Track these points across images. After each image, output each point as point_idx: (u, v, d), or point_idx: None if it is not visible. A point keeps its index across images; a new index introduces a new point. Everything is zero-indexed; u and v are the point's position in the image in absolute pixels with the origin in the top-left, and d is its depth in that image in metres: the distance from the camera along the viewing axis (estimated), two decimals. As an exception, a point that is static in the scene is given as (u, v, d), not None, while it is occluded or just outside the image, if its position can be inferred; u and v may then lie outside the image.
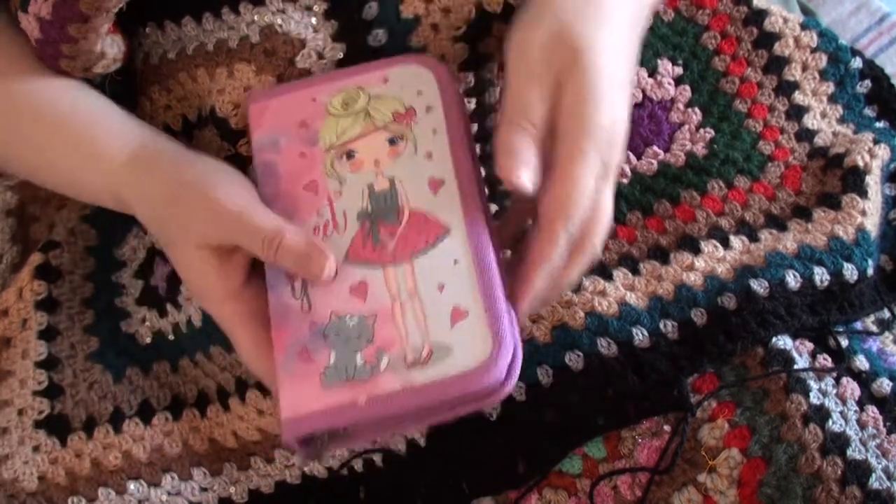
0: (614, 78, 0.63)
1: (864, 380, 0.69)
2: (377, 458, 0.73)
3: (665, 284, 0.72)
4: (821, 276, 0.71)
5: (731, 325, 0.69)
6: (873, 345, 0.73)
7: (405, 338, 0.60)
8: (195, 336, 0.77)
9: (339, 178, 0.67)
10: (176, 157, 0.71)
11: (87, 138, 0.73)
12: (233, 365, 0.76)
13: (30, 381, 0.79)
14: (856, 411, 0.68)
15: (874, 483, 0.64)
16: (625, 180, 0.79)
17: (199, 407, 0.77)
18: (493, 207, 0.76)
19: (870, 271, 0.73)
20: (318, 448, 0.62)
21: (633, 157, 0.80)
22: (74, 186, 0.76)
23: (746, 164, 0.78)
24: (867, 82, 0.84)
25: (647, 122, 0.81)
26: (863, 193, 0.75)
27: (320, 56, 0.75)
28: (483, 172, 0.69)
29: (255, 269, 0.66)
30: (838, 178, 0.76)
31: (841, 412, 0.67)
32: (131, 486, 0.75)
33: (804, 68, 0.83)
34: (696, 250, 0.73)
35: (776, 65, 0.82)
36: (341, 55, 0.74)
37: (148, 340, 0.79)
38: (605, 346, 0.69)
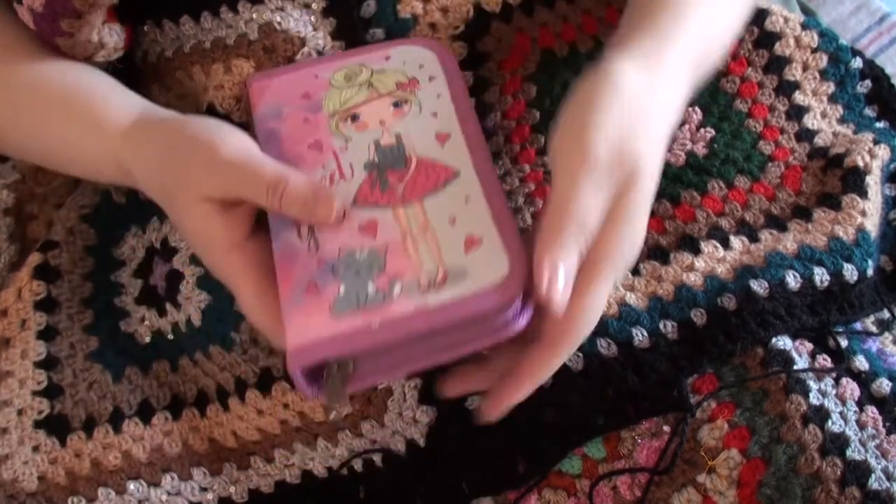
0: (652, 199, 0.62)
1: (863, 380, 0.69)
2: (377, 458, 0.73)
3: (665, 285, 0.72)
4: (821, 276, 0.71)
5: (730, 325, 0.69)
6: (873, 345, 0.72)
7: (419, 265, 0.59)
8: (194, 335, 0.77)
9: (344, 137, 0.67)
10: (176, 118, 0.71)
11: (88, 108, 0.73)
12: (232, 364, 0.76)
13: (29, 381, 0.79)
14: (855, 412, 0.68)
15: (873, 484, 0.64)
16: None
17: (199, 406, 0.77)
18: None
19: (870, 272, 0.73)
20: (326, 387, 0.59)
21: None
22: (75, 158, 0.76)
23: (747, 163, 0.78)
24: (867, 82, 0.84)
25: None
26: (863, 194, 0.74)
27: (320, 54, 0.76)
28: None
29: (260, 225, 0.65)
30: (838, 178, 0.76)
31: (840, 413, 0.67)
32: (131, 486, 0.75)
33: (805, 68, 0.83)
34: (696, 250, 0.73)
35: (777, 64, 0.82)
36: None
37: (147, 340, 0.79)
38: (605, 347, 0.69)
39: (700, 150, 0.79)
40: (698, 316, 0.70)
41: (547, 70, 0.79)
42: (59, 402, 0.78)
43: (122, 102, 0.74)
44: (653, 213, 0.77)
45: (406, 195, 0.62)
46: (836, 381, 0.69)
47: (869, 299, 0.72)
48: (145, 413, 0.77)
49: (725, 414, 0.67)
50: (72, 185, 0.87)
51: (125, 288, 0.81)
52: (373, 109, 0.68)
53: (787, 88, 0.82)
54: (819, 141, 0.79)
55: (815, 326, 0.70)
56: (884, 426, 0.67)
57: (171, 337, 0.78)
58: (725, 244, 0.73)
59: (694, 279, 0.71)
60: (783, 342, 0.69)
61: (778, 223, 0.75)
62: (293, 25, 0.75)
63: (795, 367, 0.68)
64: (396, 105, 0.68)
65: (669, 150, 0.80)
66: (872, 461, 0.65)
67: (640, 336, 0.70)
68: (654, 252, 0.74)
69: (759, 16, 0.84)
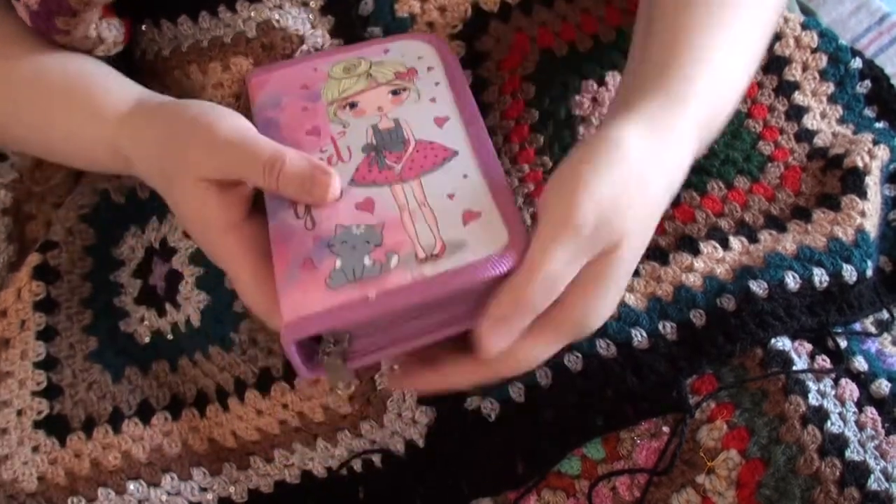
0: (629, 274, 0.61)
1: (862, 381, 0.69)
2: (376, 458, 0.73)
3: (664, 285, 0.72)
4: (820, 277, 0.71)
5: (729, 326, 0.69)
6: (872, 346, 0.72)
7: (416, 238, 0.58)
8: (194, 336, 0.77)
9: (342, 123, 0.66)
10: (173, 102, 0.71)
11: (86, 96, 0.73)
12: (231, 365, 0.76)
13: (29, 381, 0.79)
14: (854, 412, 0.68)
15: (872, 484, 0.64)
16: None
17: (199, 407, 0.77)
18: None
19: (869, 272, 0.72)
20: (325, 363, 0.58)
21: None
22: (76, 148, 0.76)
23: (746, 164, 0.78)
24: (867, 83, 0.84)
25: None
26: (862, 194, 0.74)
27: (318, 51, 0.76)
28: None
29: (257, 207, 0.65)
30: (838, 178, 0.76)
31: (840, 413, 0.67)
32: (131, 486, 0.75)
33: (804, 68, 0.83)
34: (696, 251, 0.73)
35: (776, 65, 0.82)
36: None
37: (147, 340, 0.79)
38: (604, 348, 0.69)
39: (700, 150, 0.79)
40: (697, 317, 0.70)
41: (546, 69, 0.79)
42: (58, 403, 0.78)
43: (120, 90, 0.74)
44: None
45: (404, 173, 0.62)
46: (836, 381, 0.69)
47: (868, 300, 0.72)
48: (145, 413, 0.77)
49: (724, 415, 0.67)
50: (70, 185, 0.87)
51: (124, 288, 0.81)
52: (371, 97, 0.68)
53: (786, 88, 0.82)
54: (818, 141, 0.79)
55: (814, 327, 0.70)
56: (883, 427, 0.67)
57: (170, 337, 0.78)
58: (725, 245, 0.73)
59: (693, 280, 0.71)
60: (782, 343, 0.69)
61: (777, 224, 0.75)
62: (291, 23, 0.75)
63: (794, 368, 0.68)
64: (395, 93, 0.68)
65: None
66: (871, 462, 0.65)
67: (639, 337, 0.69)
68: (653, 253, 0.74)
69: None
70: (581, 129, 0.78)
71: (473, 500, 0.72)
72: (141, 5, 0.78)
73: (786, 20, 0.84)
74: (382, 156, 0.63)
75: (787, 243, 0.73)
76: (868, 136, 0.78)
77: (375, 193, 0.61)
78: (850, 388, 0.68)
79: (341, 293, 0.57)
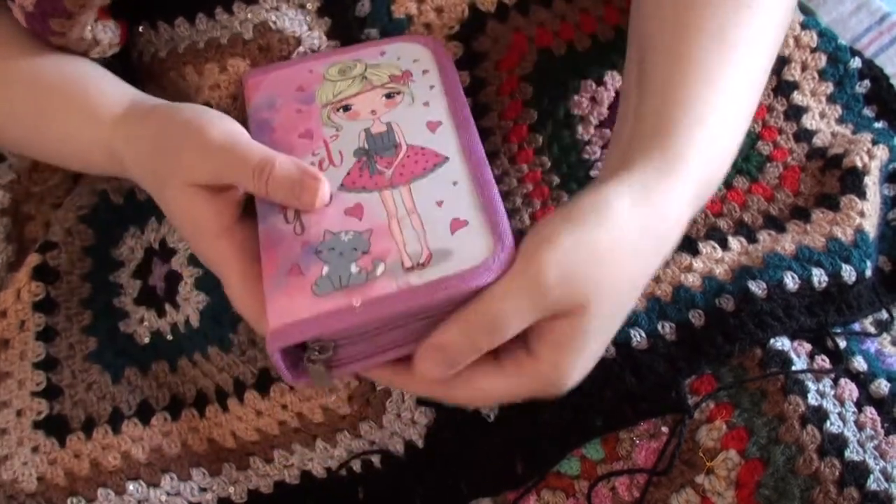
0: (602, 339, 0.61)
1: (862, 381, 0.69)
2: (375, 459, 0.73)
3: (663, 286, 0.71)
4: (819, 277, 0.71)
5: (729, 326, 0.69)
6: (871, 346, 0.72)
7: (403, 246, 0.59)
8: (193, 336, 0.77)
9: (335, 126, 0.67)
10: (166, 105, 0.71)
11: (81, 97, 0.74)
12: (230, 365, 0.76)
13: (28, 381, 0.79)
14: (854, 412, 0.68)
15: (872, 484, 0.64)
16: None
17: (198, 407, 0.77)
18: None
19: (868, 272, 0.72)
20: (310, 370, 0.59)
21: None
22: (72, 150, 0.76)
23: (745, 164, 0.78)
24: (866, 82, 0.83)
25: None
26: (861, 194, 0.74)
27: (315, 53, 0.76)
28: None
29: (248, 211, 0.65)
30: (837, 178, 0.76)
31: (839, 413, 0.67)
32: (130, 486, 0.75)
33: (803, 68, 0.82)
34: (695, 251, 0.73)
35: (775, 64, 0.82)
36: None
37: (146, 340, 0.79)
38: (604, 348, 0.69)
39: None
40: (696, 317, 0.70)
41: (544, 69, 0.79)
42: (58, 403, 0.78)
43: (114, 91, 0.74)
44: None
45: (394, 179, 0.62)
46: (835, 381, 0.69)
47: (867, 300, 0.72)
48: (144, 414, 0.77)
49: (724, 415, 0.67)
50: (69, 185, 0.87)
51: (124, 289, 0.81)
52: (365, 100, 0.68)
53: (785, 88, 0.81)
54: (818, 141, 0.79)
55: (813, 327, 0.70)
56: (882, 427, 0.67)
57: (170, 338, 0.78)
58: (724, 245, 0.73)
59: (692, 280, 0.71)
60: (781, 343, 0.69)
61: (776, 224, 0.75)
62: (288, 25, 0.75)
63: (794, 368, 0.68)
64: (389, 96, 0.69)
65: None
66: (871, 462, 0.65)
67: (638, 337, 0.69)
68: (653, 253, 0.74)
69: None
70: (580, 129, 0.78)
71: (473, 501, 0.72)
72: (138, 7, 0.78)
73: (785, 20, 0.83)
74: (374, 160, 0.63)
75: (786, 243, 0.73)
76: (867, 136, 0.78)
77: (365, 199, 0.62)
78: (850, 388, 0.68)
79: (327, 301, 0.57)
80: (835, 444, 0.65)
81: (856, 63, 0.83)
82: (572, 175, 0.77)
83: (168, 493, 0.75)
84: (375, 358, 0.60)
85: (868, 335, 0.73)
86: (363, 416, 0.73)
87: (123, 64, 0.81)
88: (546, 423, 0.69)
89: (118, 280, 0.82)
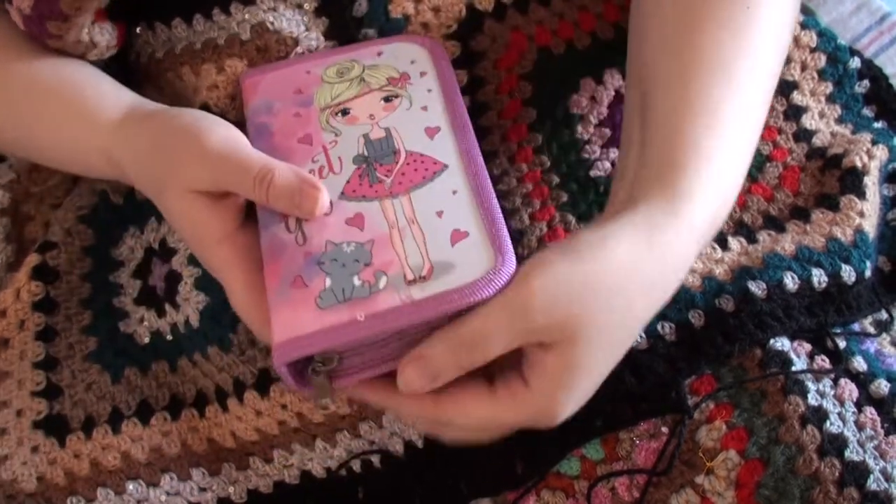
0: (592, 375, 0.60)
1: (861, 381, 0.69)
2: (375, 459, 0.73)
3: (663, 286, 0.71)
4: (819, 277, 0.71)
5: (728, 326, 0.69)
6: (871, 346, 0.72)
7: (405, 259, 0.59)
8: (193, 336, 0.77)
9: (334, 131, 0.67)
10: (165, 111, 0.71)
11: (80, 102, 0.73)
12: (230, 365, 0.76)
13: (28, 381, 0.79)
14: (854, 413, 0.68)
15: (872, 484, 0.64)
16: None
17: (198, 407, 0.77)
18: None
19: (867, 273, 0.72)
20: (313, 382, 0.59)
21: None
22: (70, 154, 0.76)
23: (744, 164, 0.78)
24: (865, 82, 0.83)
25: None
26: (861, 194, 0.74)
27: (312, 53, 0.76)
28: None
29: (249, 215, 0.65)
30: (836, 178, 0.76)
31: (839, 413, 0.67)
32: (130, 486, 0.75)
33: (803, 68, 0.82)
34: (694, 251, 0.73)
35: (775, 64, 0.82)
36: None
37: (146, 340, 0.79)
38: (603, 348, 0.69)
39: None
40: (696, 317, 0.70)
41: (544, 68, 0.79)
42: (57, 403, 0.78)
43: (113, 96, 0.74)
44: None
45: (394, 188, 0.63)
46: (835, 382, 0.69)
47: (867, 300, 0.72)
48: (144, 413, 0.77)
49: (724, 415, 0.67)
50: (68, 186, 0.87)
51: (124, 289, 0.81)
52: (363, 104, 0.69)
53: (785, 88, 0.81)
54: (817, 141, 0.79)
55: (813, 328, 0.70)
56: (882, 427, 0.67)
57: (169, 338, 0.78)
58: (723, 245, 0.73)
59: (692, 280, 0.71)
60: (781, 343, 0.69)
61: (776, 224, 0.75)
62: (286, 25, 0.75)
63: (794, 369, 0.68)
64: (387, 100, 0.69)
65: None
66: (871, 462, 0.65)
67: (638, 337, 0.69)
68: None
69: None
70: (579, 128, 0.78)
71: (473, 501, 0.72)
72: (135, 8, 0.78)
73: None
74: (373, 168, 0.64)
75: (786, 244, 0.73)
76: (867, 136, 0.78)
77: (365, 208, 0.62)
78: (850, 389, 0.69)
79: (331, 314, 0.57)
80: (835, 445, 0.65)
81: (855, 63, 0.83)
82: (572, 174, 0.77)
83: (168, 493, 0.75)
84: (378, 368, 0.60)
85: (868, 335, 0.73)
86: (363, 415, 0.73)
87: (121, 65, 0.81)
88: (546, 424, 0.69)
89: (118, 280, 0.82)
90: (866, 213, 0.74)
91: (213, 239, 0.64)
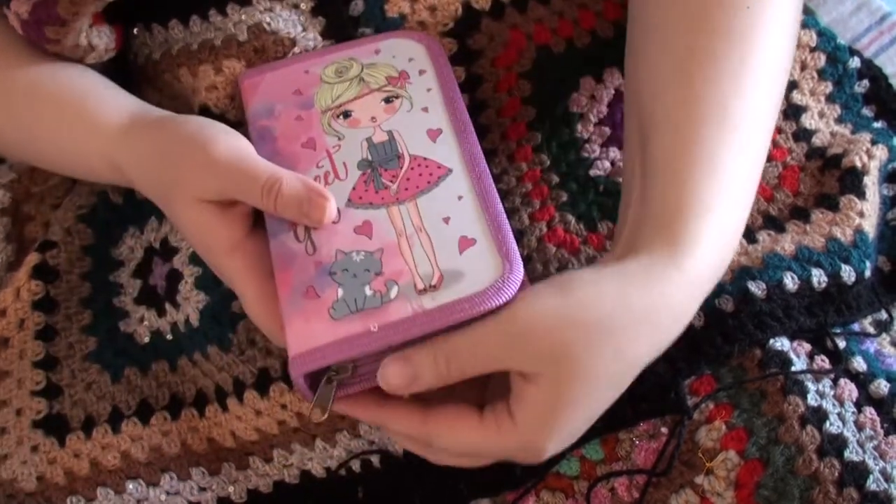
0: (578, 413, 0.60)
1: (861, 381, 0.69)
2: (375, 459, 0.73)
3: (662, 286, 0.71)
4: (818, 277, 0.71)
5: (728, 327, 0.69)
6: (871, 346, 0.72)
7: (414, 268, 0.60)
8: (193, 336, 0.77)
9: (337, 135, 0.67)
10: (170, 118, 0.71)
11: (82, 107, 0.74)
12: (230, 365, 0.76)
13: (28, 381, 0.79)
14: (853, 413, 0.68)
15: (871, 485, 0.64)
16: (621, 178, 0.78)
17: (198, 407, 0.77)
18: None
19: (867, 273, 0.72)
20: (326, 392, 0.60)
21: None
22: (69, 159, 0.76)
23: (744, 163, 0.78)
24: (865, 82, 0.83)
25: None
26: (861, 194, 0.74)
27: (309, 52, 0.75)
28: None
29: (258, 221, 0.66)
30: (836, 178, 0.76)
31: (838, 414, 0.67)
32: (130, 485, 0.75)
33: (803, 67, 0.82)
34: (694, 252, 0.73)
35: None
36: None
37: (146, 340, 0.79)
38: (602, 349, 0.69)
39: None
40: (696, 317, 0.69)
41: (543, 66, 0.79)
42: (57, 403, 0.78)
43: (115, 102, 0.74)
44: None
45: (400, 194, 0.63)
46: (834, 382, 0.69)
47: (866, 300, 0.72)
48: (144, 413, 0.77)
49: (723, 415, 0.67)
50: (69, 186, 0.87)
51: (124, 288, 0.81)
52: (364, 105, 0.69)
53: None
54: (817, 141, 0.79)
55: (812, 328, 0.70)
56: (882, 427, 0.67)
57: (169, 337, 0.78)
58: (723, 245, 0.73)
59: (692, 281, 0.71)
60: (781, 343, 0.69)
61: (776, 224, 0.75)
62: (283, 26, 0.75)
63: (793, 369, 0.68)
64: (387, 101, 0.69)
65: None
66: (870, 462, 0.65)
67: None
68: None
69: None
70: (579, 127, 0.78)
71: (472, 501, 0.72)
72: (132, 10, 0.78)
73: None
74: (378, 173, 0.64)
75: (786, 244, 0.72)
76: (866, 136, 0.78)
77: (373, 216, 0.62)
78: (849, 389, 0.68)
79: (344, 325, 0.58)
80: (834, 445, 0.65)
81: (855, 63, 0.83)
82: (571, 173, 0.77)
83: (167, 493, 0.76)
84: None
85: (867, 335, 0.73)
86: (363, 416, 0.73)
87: (120, 66, 0.81)
88: (545, 424, 0.69)
89: (118, 280, 0.82)
90: (866, 213, 0.74)
91: (222, 248, 0.65)
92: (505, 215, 0.62)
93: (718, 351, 0.68)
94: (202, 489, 0.76)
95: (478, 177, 0.63)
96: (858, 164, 0.75)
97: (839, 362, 0.69)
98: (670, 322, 0.61)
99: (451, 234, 0.61)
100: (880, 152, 0.77)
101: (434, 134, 0.66)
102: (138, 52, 0.80)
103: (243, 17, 0.75)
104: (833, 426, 0.66)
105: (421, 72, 0.70)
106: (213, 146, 0.65)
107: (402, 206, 0.63)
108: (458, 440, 0.60)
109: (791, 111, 0.80)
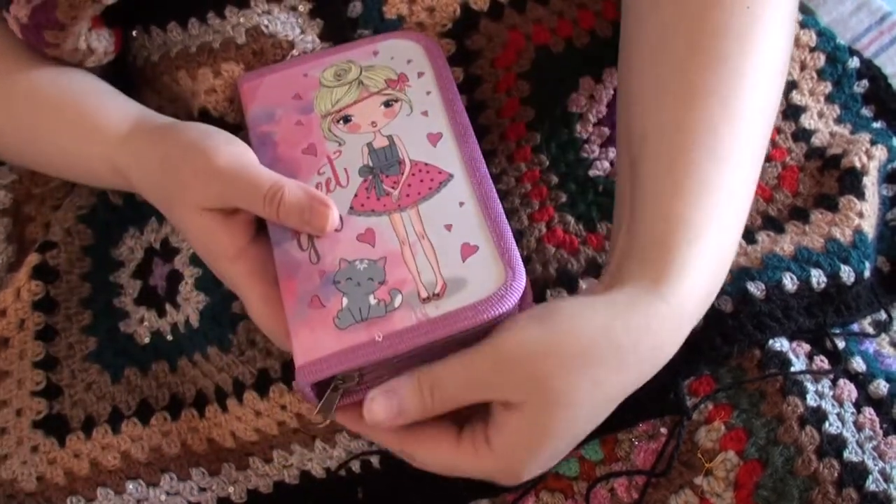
0: (557, 439, 0.60)
1: (860, 382, 0.69)
2: (374, 459, 0.73)
3: (662, 287, 0.71)
4: (818, 278, 0.71)
5: (727, 327, 0.68)
6: (870, 347, 0.72)
7: (417, 276, 0.60)
8: (193, 336, 0.77)
9: (337, 140, 0.67)
10: (172, 125, 0.71)
11: (83, 112, 0.74)
12: (230, 366, 0.76)
13: (28, 381, 0.79)
14: (853, 413, 0.67)
15: (871, 485, 0.64)
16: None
17: (198, 407, 0.77)
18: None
19: (867, 273, 0.72)
20: (330, 399, 0.60)
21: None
22: (69, 164, 0.76)
23: (744, 163, 0.78)
24: (864, 82, 0.83)
25: None
26: (860, 195, 0.74)
27: (307, 54, 0.75)
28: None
29: (261, 228, 0.66)
30: (835, 179, 0.76)
31: (838, 414, 0.67)
32: (130, 486, 0.76)
33: (802, 67, 0.82)
34: (693, 252, 0.72)
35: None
36: None
37: (146, 340, 0.79)
38: (602, 349, 0.69)
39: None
40: (695, 318, 0.70)
41: (542, 67, 0.79)
42: (57, 403, 0.78)
43: (116, 107, 0.74)
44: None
45: (402, 201, 0.63)
46: (834, 382, 0.69)
47: (866, 301, 0.72)
48: (144, 413, 0.77)
49: (722, 416, 0.67)
50: (69, 187, 0.87)
51: (124, 289, 0.81)
52: (364, 110, 0.69)
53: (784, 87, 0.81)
54: (816, 141, 0.79)
55: (812, 328, 0.70)
56: (881, 428, 0.67)
57: (169, 338, 0.78)
58: (722, 246, 0.73)
59: (691, 281, 0.71)
60: (780, 344, 0.69)
61: (775, 224, 0.75)
62: (281, 29, 0.75)
63: (792, 369, 0.68)
64: (387, 105, 0.69)
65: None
66: (870, 463, 0.65)
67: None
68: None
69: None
70: (578, 127, 0.78)
71: (472, 502, 0.72)
72: (131, 13, 0.78)
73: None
74: (380, 180, 0.64)
75: (785, 244, 0.72)
76: (866, 136, 0.78)
77: (375, 223, 0.63)
78: (849, 389, 0.68)
79: (350, 335, 0.59)
80: (833, 445, 0.65)
81: (854, 63, 0.83)
82: (571, 174, 0.77)
83: (167, 493, 0.76)
84: None
85: (867, 336, 0.73)
86: (362, 416, 0.73)
87: (119, 69, 0.81)
88: (545, 424, 0.69)
89: (118, 280, 0.82)
90: (865, 214, 0.74)
91: (226, 255, 0.65)
92: (506, 220, 0.62)
93: (718, 351, 0.68)
94: (202, 489, 0.76)
95: (479, 181, 0.63)
96: (858, 164, 0.75)
97: (838, 363, 0.69)
98: (654, 354, 0.60)
99: (453, 242, 0.61)
100: (879, 152, 0.77)
101: (434, 138, 0.66)
102: (137, 55, 0.80)
103: (241, 19, 0.75)
104: (832, 426, 0.66)
105: (420, 74, 0.70)
106: (215, 154, 0.65)
107: (404, 213, 0.63)
108: (436, 459, 0.60)
109: (790, 111, 0.80)
